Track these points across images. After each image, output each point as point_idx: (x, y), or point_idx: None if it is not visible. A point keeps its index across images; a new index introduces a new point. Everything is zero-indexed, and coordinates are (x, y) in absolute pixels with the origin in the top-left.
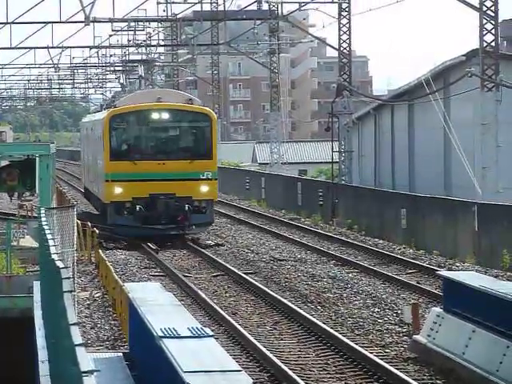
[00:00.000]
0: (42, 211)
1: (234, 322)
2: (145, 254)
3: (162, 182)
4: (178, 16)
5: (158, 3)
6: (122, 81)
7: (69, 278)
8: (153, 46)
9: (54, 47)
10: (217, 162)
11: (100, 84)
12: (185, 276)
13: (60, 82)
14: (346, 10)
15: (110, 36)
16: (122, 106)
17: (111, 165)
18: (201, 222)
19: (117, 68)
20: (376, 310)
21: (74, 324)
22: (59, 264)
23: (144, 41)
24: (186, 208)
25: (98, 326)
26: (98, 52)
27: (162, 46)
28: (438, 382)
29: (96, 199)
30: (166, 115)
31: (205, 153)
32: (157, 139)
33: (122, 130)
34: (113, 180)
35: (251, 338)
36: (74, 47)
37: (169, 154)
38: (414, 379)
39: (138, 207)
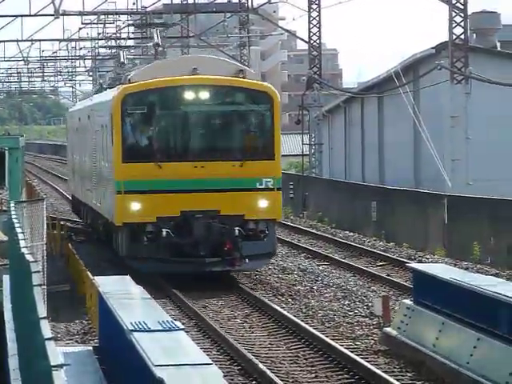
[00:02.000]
0: (12, 204)
1: (204, 315)
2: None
3: (200, 195)
4: (148, 9)
5: None
6: (122, 59)
7: (38, 271)
8: (122, 38)
9: (24, 40)
10: (280, 163)
11: (70, 77)
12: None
13: (29, 75)
14: (316, 2)
15: (80, 29)
16: (140, 82)
17: (125, 169)
18: (257, 252)
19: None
20: (346, 302)
21: (43, 318)
22: (29, 258)
23: (114, 33)
24: (236, 232)
25: (68, 319)
26: (67, 45)
27: (131, 38)
28: (409, 374)
29: (97, 217)
30: (205, 94)
31: (264, 150)
32: (193, 131)
33: (141, 117)
34: (127, 192)
35: (222, 332)
36: (43, 40)
37: (210, 152)
38: (385, 371)
39: (164, 231)
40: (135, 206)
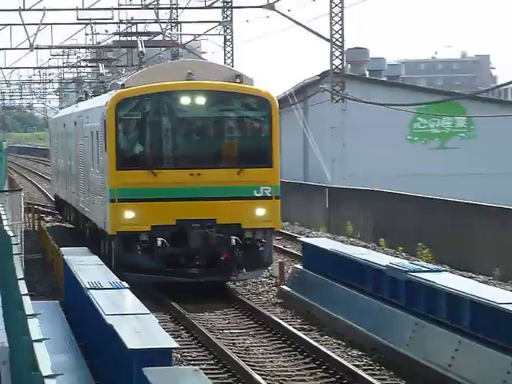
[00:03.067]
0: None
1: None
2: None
3: (197, 203)
4: (102, 44)
5: (86, 34)
6: (101, 71)
7: (17, 243)
8: (82, 66)
9: (6, 68)
10: (279, 171)
11: (41, 96)
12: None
13: (11, 94)
14: (230, 40)
15: (49, 59)
16: (135, 87)
17: (118, 176)
18: (254, 262)
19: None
20: None
21: (21, 279)
22: (10, 233)
23: (76, 63)
24: (233, 242)
25: (40, 280)
26: (39, 71)
27: (89, 66)
28: (298, 320)
29: (83, 220)
30: (202, 100)
31: (261, 157)
32: (189, 137)
33: (136, 123)
34: (121, 200)
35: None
36: (21, 68)
37: (207, 159)
38: (280, 318)
39: (159, 241)
40: (129, 214)
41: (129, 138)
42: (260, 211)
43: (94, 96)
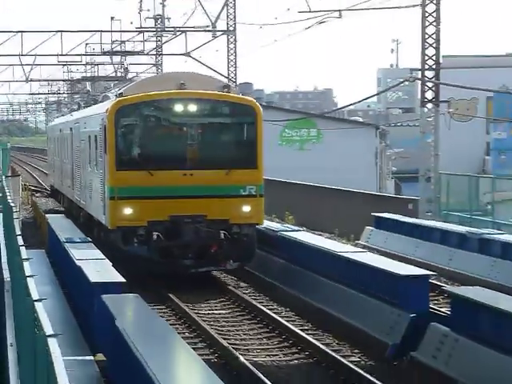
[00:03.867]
0: (3, 178)
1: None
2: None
3: (189, 200)
4: (75, 78)
5: (64, 72)
6: (88, 88)
7: (16, 211)
8: (61, 93)
9: (10, 94)
10: (263, 172)
11: (33, 112)
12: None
13: (13, 111)
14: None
15: (39, 87)
16: (133, 95)
17: (118, 176)
18: (240, 254)
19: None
20: None
21: (19, 235)
22: (12, 204)
23: (57, 91)
24: (222, 235)
25: (32, 236)
26: (32, 97)
27: (67, 93)
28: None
29: (78, 210)
30: (194, 107)
31: (247, 160)
32: (181, 141)
33: (134, 128)
34: (120, 198)
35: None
36: (20, 94)
37: (198, 161)
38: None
39: (155, 235)
40: (127, 210)
41: (127, 141)
42: (246, 208)
43: (86, 107)
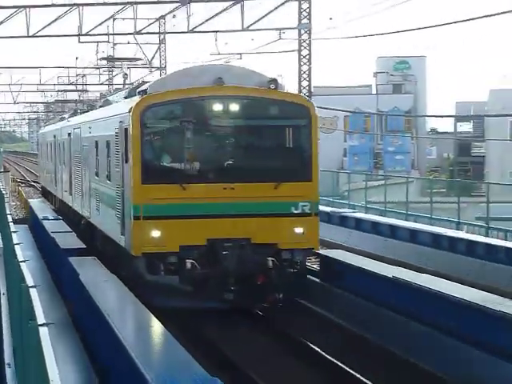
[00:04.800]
0: None
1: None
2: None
3: (230, 220)
4: (50, 101)
5: (41, 96)
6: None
7: (7, 197)
8: (39, 112)
9: (2, 113)
10: (318, 185)
11: (19, 126)
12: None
13: (4, 125)
14: None
15: (24, 108)
16: (160, 92)
17: (144, 191)
18: (291, 286)
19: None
20: None
21: (8, 214)
22: (3, 191)
23: (36, 110)
24: (270, 263)
25: (18, 214)
26: (19, 114)
27: (43, 112)
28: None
29: (82, 221)
30: (236, 106)
31: (300, 171)
32: (221, 148)
33: (163, 132)
34: (147, 217)
35: None
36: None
37: (240, 172)
38: None
39: (188, 263)
40: (155, 233)
41: (155, 148)
42: (298, 229)
43: (83, 112)
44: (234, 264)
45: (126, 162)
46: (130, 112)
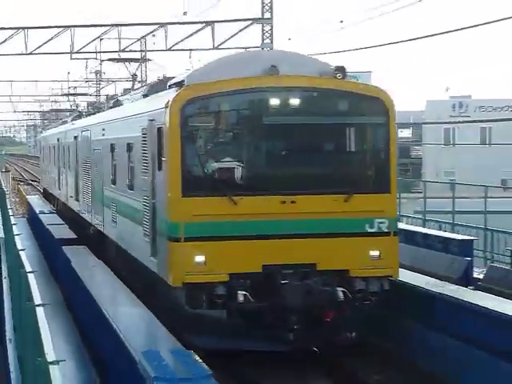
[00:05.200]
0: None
1: None
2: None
3: (291, 242)
4: (45, 110)
5: (38, 106)
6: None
7: (7, 194)
8: (36, 119)
9: (4, 120)
10: (396, 198)
11: (18, 132)
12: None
13: (5, 131)
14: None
15: (22, 116)
16: (203, 82)
17: (185, 206)
18: (366, 321)
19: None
20: None
21: (10, 208)
22: (4, 189)
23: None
24: (341, 295)
25: (17, 209)
26: (18, 122)
27: (40, 119)
28: None
29: (91, 228)
30: (299, 101)
31: (376, 180)
32: (280, 152)
33: (209, 133)
34: (189, 238)
35: None
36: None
37: (304, 181)
38: None
39: (240, 294)
40: (200, 258)
41: (199, 152)
42: (374, 252)
43: (89, 115)
44: (295, 296)
45: (159, 168)
46: (166, 107)
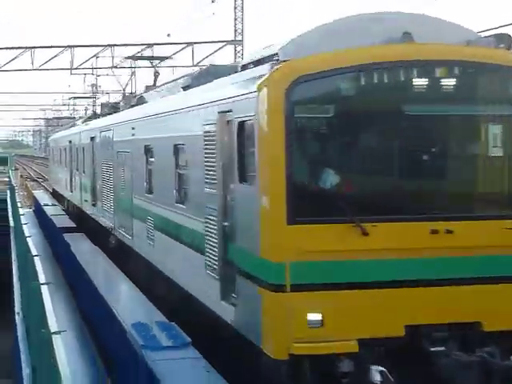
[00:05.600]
0: (10, 171)
1: None
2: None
3: (446, 291)
4: (49, 117)
5: (43, 114)
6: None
7: (17, 190)
8: (41, 126)
9: (7, 126)
10: None
11: (25, 136)
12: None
13: (14, 136)
14: None
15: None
16: (313, 55)
17: (293, 236)
18: None
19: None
20: None
21: (18, 201)
22: (14, 184)
23: (49, 125)
24: None
25: (25, 202)
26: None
27: (44, 126)
28: None
29: (111, 235)
30: (452, 81)
31: None
32: (431, 156)
33: (329, 129)
34: (298, 286)
35: None
36: (15, 126)
37: (464, 201)
38: None
39: (376, 372)
40: (315, 317)
41: (312, 158)
42: None
43: (106, 115)
44: (459, 373)
45: (242, 180)
46: (259, 90)
